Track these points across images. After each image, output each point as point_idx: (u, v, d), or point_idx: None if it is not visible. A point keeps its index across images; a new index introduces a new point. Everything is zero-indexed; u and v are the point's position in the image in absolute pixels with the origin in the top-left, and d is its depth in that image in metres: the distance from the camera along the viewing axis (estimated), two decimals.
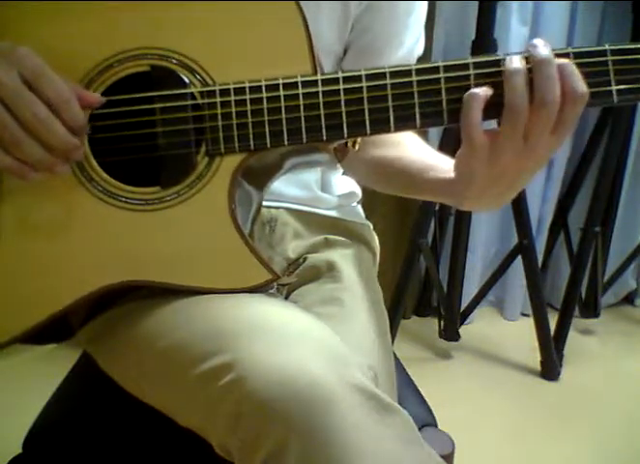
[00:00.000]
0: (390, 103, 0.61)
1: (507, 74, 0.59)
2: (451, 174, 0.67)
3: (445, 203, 0.74)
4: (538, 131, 0.59)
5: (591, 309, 2.09)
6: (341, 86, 0.61)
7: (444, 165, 0.71)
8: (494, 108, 0.59)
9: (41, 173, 0.62)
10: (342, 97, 0.61)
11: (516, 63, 0.59)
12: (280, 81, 0.62)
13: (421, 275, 2.21)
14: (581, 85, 0.58)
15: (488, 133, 0.60)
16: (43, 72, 0.60)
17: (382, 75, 0.61)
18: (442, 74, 0.60)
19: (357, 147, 0.68)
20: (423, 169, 0.74)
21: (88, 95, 0.63)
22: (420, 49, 0.88)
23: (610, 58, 0.59)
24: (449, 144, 1.65)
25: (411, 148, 0.80)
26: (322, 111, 0.61)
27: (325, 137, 0.62)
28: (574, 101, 0.58)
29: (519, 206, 1.79)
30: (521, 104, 0.58)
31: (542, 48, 0.59)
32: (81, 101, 0.62)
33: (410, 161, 0.78)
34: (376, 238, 0.97)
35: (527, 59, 0.59)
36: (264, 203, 0.73)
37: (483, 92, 0.59)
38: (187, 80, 0.64)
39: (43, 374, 1.12)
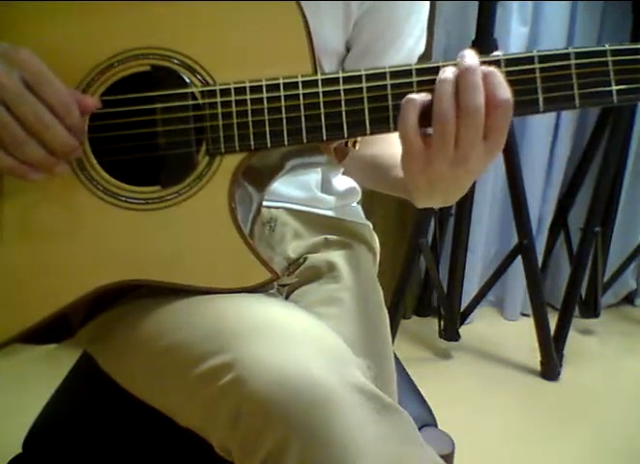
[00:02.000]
0: (390, 103, 0.61)
1: (436, 83, 0.59)
2: None
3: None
4: (469, 140, 0.59)
5: (591, 309, 2.09)
6: (341, 86, 0.61)
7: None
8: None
9: (41, 173, 0.62)
10: (342, 97, 0.61)
11: (447, 72, 0.59)
12: (281, 81, 0.62)
13: (421, 275, 2.21)
14: (504, 92, 0.58)
15: (424, 139, 0.60)
16: (43, 75, 0.60)
17: (382, 75, 0.61)
18: None
19: (357, 147, 0.68)
20: (390, 167, 0.75)
21: (86, 99, 0.63)
22: (421, 48, 0.88)
23: (610, 58, 0.59)
24: None
25: (390, 144, 0.79)
26: (322, 111, 0.61)
27: (325, 137, 0.62)
28: (496, 107, 0.58)
29: (519, 206, 1.79)
30: (447, 112, 0.58)
31: (469, 58, 0.59)
32: (79, 105, 0.62)
33: (382, 159, 0.79)
34: (376, 238, 0.97)
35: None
36: (264, 203, 0.73)
37: (420, 97, 0.59)
38: (187, 80, 0.64)
39: (43, 374, 1.12)
